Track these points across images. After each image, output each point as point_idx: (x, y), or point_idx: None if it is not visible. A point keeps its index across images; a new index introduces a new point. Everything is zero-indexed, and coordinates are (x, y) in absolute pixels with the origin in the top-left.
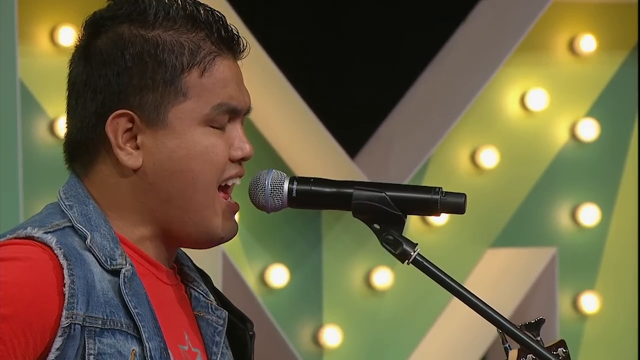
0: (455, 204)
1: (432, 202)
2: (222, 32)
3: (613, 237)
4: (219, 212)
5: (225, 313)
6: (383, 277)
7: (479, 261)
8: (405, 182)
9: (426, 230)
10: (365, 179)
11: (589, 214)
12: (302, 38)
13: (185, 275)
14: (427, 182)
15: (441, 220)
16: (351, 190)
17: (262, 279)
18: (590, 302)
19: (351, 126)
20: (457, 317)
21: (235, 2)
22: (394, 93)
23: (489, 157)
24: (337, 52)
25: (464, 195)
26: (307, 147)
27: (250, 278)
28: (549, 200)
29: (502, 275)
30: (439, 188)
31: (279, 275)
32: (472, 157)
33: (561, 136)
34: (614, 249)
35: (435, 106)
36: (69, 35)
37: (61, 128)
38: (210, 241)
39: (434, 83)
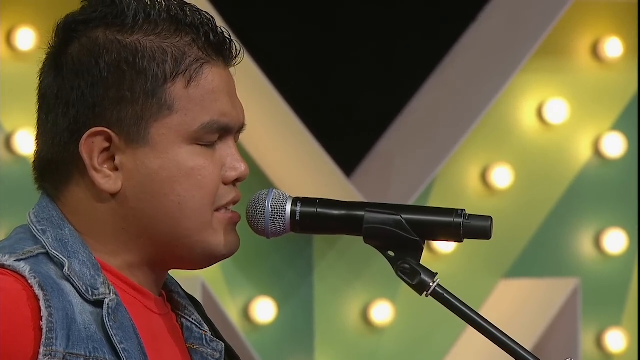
0: (480, 229)
1: (454, 226)
2: (211, 36)
3: None
4: (218, 229)
5: (221, 345)
6: (382, 311)
7: (491, 294)
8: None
9: (432, 259)
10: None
11: (615, 240)
12: (291, 43)
13: (176, 303)
14: (432, 204)
15: (449, 247)
16: (362, 213)
17: (245, 314)
18: (616, 340)
19: (347, 141)
20: (466, 356)
21: (221, 9)
22: (394, 103)
23: (502, 176)
24: (330, 56)
25: (489, 218)
26: (296, 164)
27: (232, 312)
28: (570, 224)
29: (517, 310)
30: (462, 210)
31: (264, 310)
32: (483, 176)
33: (583, 152)
34: None
35: (442, 118)
36: (27, 38)
37: (19, 143)
38: (209, 260)
39: (440, 92)
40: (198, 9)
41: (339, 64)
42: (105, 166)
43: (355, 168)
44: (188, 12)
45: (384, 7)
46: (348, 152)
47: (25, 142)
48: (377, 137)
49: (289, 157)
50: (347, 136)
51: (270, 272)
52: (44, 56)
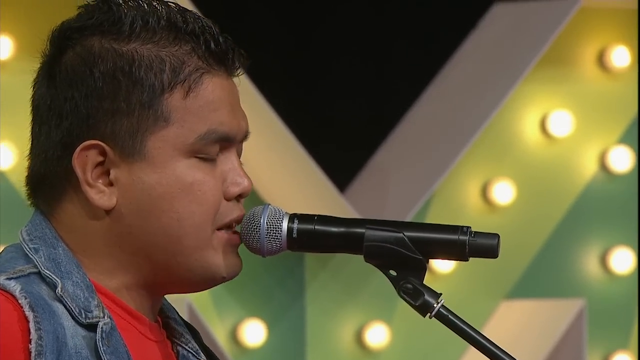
0: (487, 247)
1: (459, 244)
2: (212, 45)
3: None
4: (218, 249)
5: None
6: (378, 334)
7: (492, 316)
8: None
9: (429, 279)
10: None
11: (622, 260)
12: (283, 54)
13: (172, 330)
14: (430, 222)
15: (447, 267)
16: (363, 230)
17: (234, 337)
18: None
19: (340, 154)
20: None
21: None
22: (390, 115)
23: (504, 192)
24: (322, 65)
25: (496, 236)
26: (287, 178)
27: (220, 335)
28: (575, 242)
29: (519, 333)
30: (467, 227)
31: (254, 332)
32: (484, 192)
33: (589, 167)
34: None
35: (440, 131)
36: (5, 47)
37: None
38: (208, 283)
39: (439, 103)
40: (200, 15)
41: (331, 75)
42: (100, 181)
43: (349, 183)
44: (189, 20)
45: (379, 16)
46: (341, 166)
47: (3, 156)
48: (372, 151)
49: (279, 171)
50: (340, 149)
51: (260, 293)
52: (38, 65)
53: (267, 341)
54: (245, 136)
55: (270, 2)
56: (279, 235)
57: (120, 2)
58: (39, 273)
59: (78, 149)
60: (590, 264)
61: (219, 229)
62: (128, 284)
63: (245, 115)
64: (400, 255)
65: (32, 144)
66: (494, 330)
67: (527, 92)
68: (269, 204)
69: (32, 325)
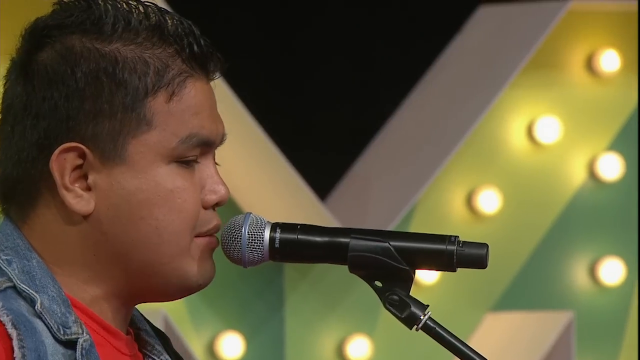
0: (475, 257)
1: (447, 254)
2: (195, 48)
3: None
4: (195, 257)
5: None
6: (359, 347)
7: (478, 328)
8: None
9: (412, 290)
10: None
11: (612, 270)
12: (261, 59)
13: (143, 341)
14: (414, 231)
15: (431, 278)
16: (347, 240)
17: (211, 350)
18: None
19: (321, 162)
20: None
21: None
22: (372, 121)
23: (490, 201)
24: (303, 71)
25: (485, 245)
26: (266, 186)
27: (197, 349)
28: (563, 253)
29: (505, 346)
30: (455, 237)
31: (232, 346)
32: (469, 201)
33: (577, 174)
34: None
35: (424, 137)
36: None
37: None
38: (183, 291)
39: (422, 109)
40: (179, 17)
41: (310, 80)
42: (77, 185)
43: (329, 191)
44: (169, 21)
45: (362, 20)
46: (322, 174)
47: None
48: (354, 158)
49: (258, 179)
50: (320, 156)
51: (238, 305)
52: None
53: (245, 355)
54: (222, 139)
55: (252, 6)
56: (260, 245)
57: (100, 0)
58: (14, 287)
59: (57, 151)
60: (578, 275)
61: (197, 236)
62: (102, 295)
63: (222, 119)
64: (386, 266)
65: (2, 145)
66: (479, 344)
67: (514, 98)
68: (250, 213)
69: (15, 343)
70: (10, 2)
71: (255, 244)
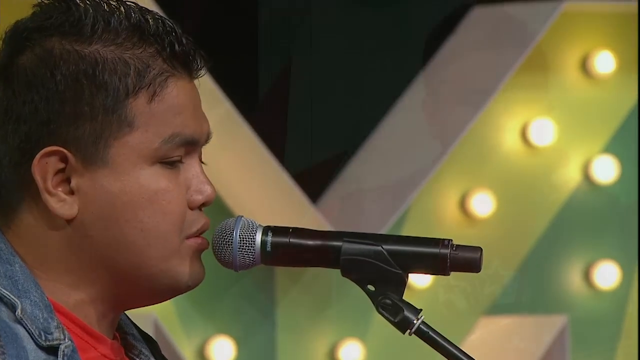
0: (469, 260)
1: (440, 257)
2: (176, 47)
3: (636, 303)
4: (185, 258)
5: None
6: (352, 351)
7: (471, 333)
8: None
9: (405, 294)
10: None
11: (607, 274)
12: (252, 61)
13: (130, 346)
14: (407, 234)
15: (424, 282)
16: (340, 243)
17: (202, 355)
18: None
19: (312, 163)
20: None
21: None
22: (364, 122)
23: (483, 204)
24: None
25: (479, 249)
26: (257, 188)
27: (187, 353)
28: (557, 256)
29: (499, 351)
30: (449, 240)
31: (222, 350)
32: (462, 203)
33: (572, 177)
34: (637, 318)
35: (417, 140)
36: None
37: None
38: (172, 293)
39: (415, 111)
40: (161, 16)
41: (302, 80)
42: (60, 189)
43: (321, 193)
44: (150, 20)
45: (354, 20)
46: (314, 176)
47: None
48: (346, 160)
49: (250, 182)
50: (312, 159)
51: (229, 309)
52: None
53: (236, 359)
54: (207, 138)
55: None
56: (252, 248)
57: (79, 1)
58: None
59: (38, 155)
60: (573, 279)
61: (187, 237)
62: (87, 300)
63: (207, 118)
64: (379, 270)
65: None
66: (473, 348)
67: (507, 100)
68: (242, 216)
69: None
70: (11, 2)
71: (247, 248)
